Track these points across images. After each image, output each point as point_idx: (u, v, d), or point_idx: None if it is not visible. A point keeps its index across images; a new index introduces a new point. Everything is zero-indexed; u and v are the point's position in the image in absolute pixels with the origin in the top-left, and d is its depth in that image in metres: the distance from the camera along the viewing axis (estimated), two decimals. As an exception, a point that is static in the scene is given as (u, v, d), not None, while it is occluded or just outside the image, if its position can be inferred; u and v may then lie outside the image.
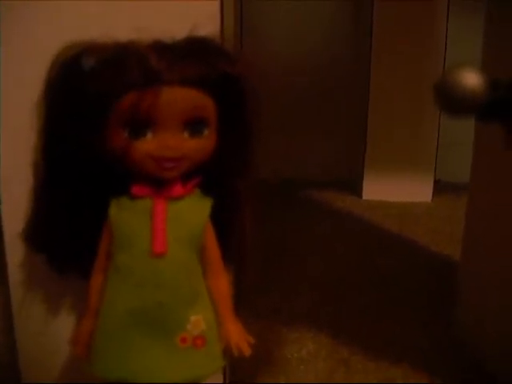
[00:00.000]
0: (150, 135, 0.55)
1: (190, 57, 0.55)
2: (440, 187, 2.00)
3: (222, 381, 0.80)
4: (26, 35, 0.68)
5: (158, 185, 0.58)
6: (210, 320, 0.62)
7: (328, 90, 2.16)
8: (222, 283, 0.64)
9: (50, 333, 0.77)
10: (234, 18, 0.82)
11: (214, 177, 0.62)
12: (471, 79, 0.36)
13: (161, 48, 0.55)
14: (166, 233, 0.58)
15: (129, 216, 0.59)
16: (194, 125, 0.56)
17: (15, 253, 0.73)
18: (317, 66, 2.15)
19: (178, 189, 0.59)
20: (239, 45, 0.74)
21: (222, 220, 0.63)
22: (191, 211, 0.60)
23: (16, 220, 0.68)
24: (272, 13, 2.12)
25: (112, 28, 0.58)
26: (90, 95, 0.54)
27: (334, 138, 2.20)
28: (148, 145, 0.55)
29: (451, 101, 0.36)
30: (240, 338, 0.63)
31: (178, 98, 0.54)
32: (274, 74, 2.04)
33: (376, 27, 1.87)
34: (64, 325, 0.76)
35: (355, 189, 2.04)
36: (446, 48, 1.87)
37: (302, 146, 2.18)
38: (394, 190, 1.97)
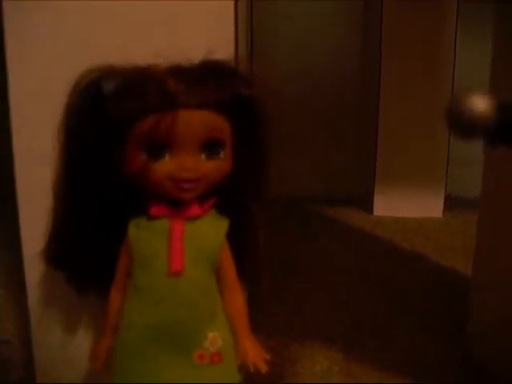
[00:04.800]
0: (167, 157, 0.57)
1: (206, 80, 0.57)
2: (451, 202, 2.00)
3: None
4: (43, 58, 0.70)
5: (176, 205, 0.60)
6: (226, 336, 0.63)
7: (337, 105, 2.18)
8: (238, 300, 0.65)
9: (67, 349, 0.78)
10: (247, 39, 0.84)
11: (230, 197, 0.63)
12: (479, 104, 0.37)
13: (178, 72, 0.57)
14: (184, 252, 0.59)
15: (147, 236, 0.60)
16: (210, 147, 0.58)
17: (34, 270, 0.75)
18: (326, 82, 2.16)
19: (194, 209, 0.60)
20: (250, 65, 0.75)
21: (237, 239, 0.64)
22: (208, 231, 0.61)
23: (35, 239, 0.69)
24: (281, 28, 2.14)
25: (129, 52, 0.60)
26: (110, 119, 0.56)
27: (344, 154, 2.21)
28: (166, 166, 0.57)
29: (460, 126, 0.38)
30: (256, 355, 0.64)
31: (195, 121, 0.56)
32: (283, 90, 2.06)
33: (385, 40, 1.88)
34: (82, 341, 0.77)
35: (366, 205, 2.04)
36: (454, 62, 1.88)
37: (311, 162, 2.18)
38: (404, 206, 1.97)
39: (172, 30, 0.68)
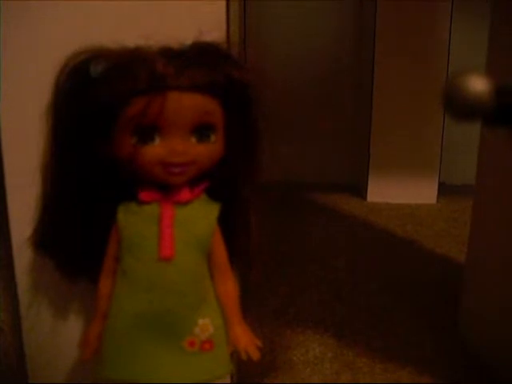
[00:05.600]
0: (157, 141, 0.56)
1: (197, 63, 0.56)
2: (444, 189, 2.00)
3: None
4: (32, 40, 0.68)
5: (166, 190, 0.59)
6: (217, 324, 0.62)
7: (332, 93, 2.17)
8: (230, 287, 0.64)
9: (57, 335, 0.77)
10: (239, 22, 0.82)
11: (221, 182, 0.62)
12: (477, 85, 0.36)
13: (168, 54, 0.56)
14: (174, 237, 0.58)
15: (137, 221, 0.59)
16: (201, 130, 0.57)
17: (23, 257, 0.74)
18: (321, 71, 2.15)
19: (185, 194, 0.59)
20: (243, 50, 0.74)
21: (228, 224, 0.63)
22: (199, 216, 0.60)
23: (24, 225, 0.68)
24: (275, 17, 2.13)
25: (120, 34, 0.59)
26: (99, 101, 0.55)
27: (339, 141, 2.20)
28: (156, 150, 0.56)
29: (457, 107, 0.37)
30: (248, 342, 0.64)
31: (185, 104, 0.55)
32: (279, 78, 2.05)
33: (379, 31, 1.88)
34: (72, 328, 0.76)
35: (360, 191, 2.05)
36: (449, 51, 1.88)
37: (306, 149, 2.18)
38: (398, 193, 1.97)
39: (162, 12, 0.67)
